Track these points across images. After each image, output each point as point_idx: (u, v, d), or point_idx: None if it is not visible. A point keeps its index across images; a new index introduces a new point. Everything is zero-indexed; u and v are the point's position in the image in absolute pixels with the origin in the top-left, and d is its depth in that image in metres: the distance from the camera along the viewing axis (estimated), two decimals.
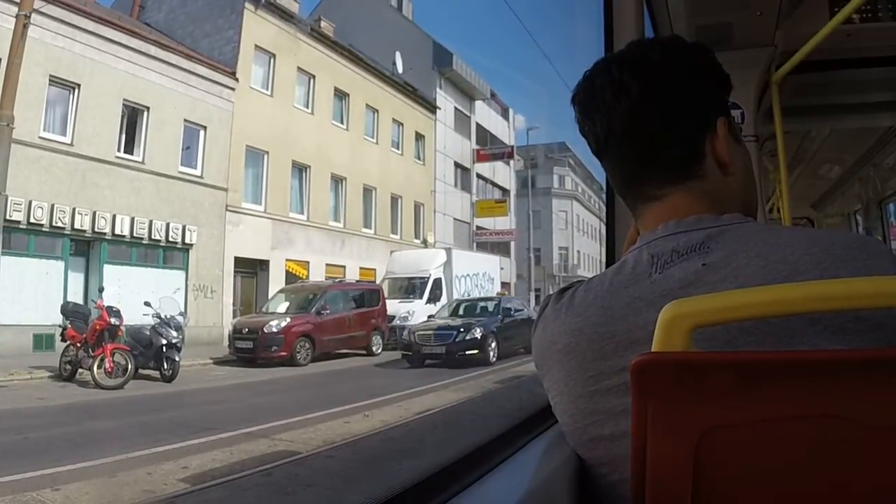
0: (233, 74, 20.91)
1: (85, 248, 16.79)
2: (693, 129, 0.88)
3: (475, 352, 15.08)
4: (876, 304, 0.67)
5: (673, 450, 0.66)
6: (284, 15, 23.17)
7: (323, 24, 26.94)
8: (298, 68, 23.98)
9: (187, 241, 18.95)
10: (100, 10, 18.56)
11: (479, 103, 38.41)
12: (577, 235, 54.45)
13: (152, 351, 11.82)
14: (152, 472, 5.59)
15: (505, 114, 43.15)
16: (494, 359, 15.32)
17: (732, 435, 0.66)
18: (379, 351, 18.16)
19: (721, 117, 0.89)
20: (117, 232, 17.06)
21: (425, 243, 30.26)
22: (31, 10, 11.97)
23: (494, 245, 36.36)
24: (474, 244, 35.12)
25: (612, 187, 0.98)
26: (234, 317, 19.10)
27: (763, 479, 0.66)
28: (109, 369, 10.73)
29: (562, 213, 51.90)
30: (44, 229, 15.38)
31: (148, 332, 12.04)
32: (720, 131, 0.88)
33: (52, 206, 15.43)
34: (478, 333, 15.26)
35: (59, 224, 15.64)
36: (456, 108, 35.65)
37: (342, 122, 26.51)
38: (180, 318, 12.85)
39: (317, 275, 23.39)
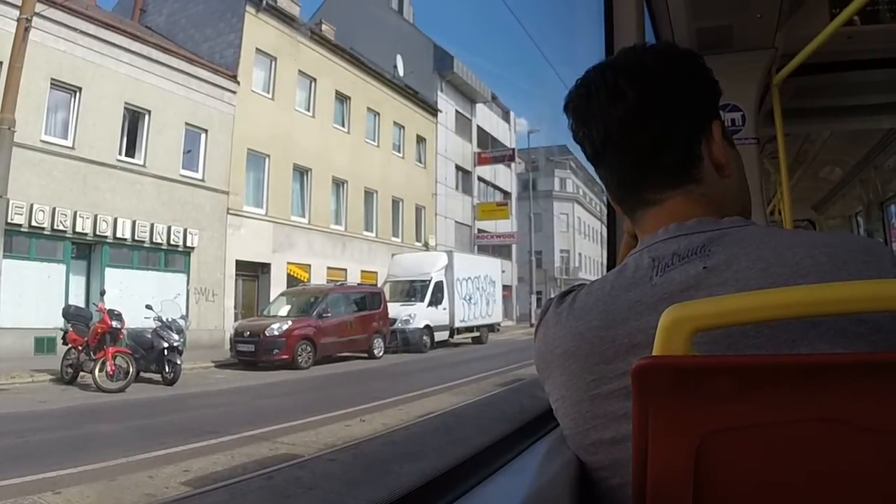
0: (234, 78, 20.95)
1: (86, 251, 16.81)
2: (689, 132, 0.88)
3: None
4: (876, 307, 0.67)
5: (674, 453, 0.66)
6: (285, 18, 23.20)
7: (324, 27, 26.98)
8: (299, 71, 24.01)
9: (189, 244, 18.96)
10: (101, 13, 18.62)
11: (480, 106, 38.45)
12: (579, 238, 54.43)
13: (154, 354, 11.82)
14: (154, 475, 5.60)
15: (506, 117, 43.19)
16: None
17: (733, 438, 0.66)
18: (380, 354, 18.16)
19: (715, 120, 0.90)
20: (119, 235, 17.07)
21: (427, 246, 30.25)
22: (33, 14, 11.99)
23: (496, 248, 36.38)
24: (476, 247, 35.11)
25: (608, 193, 0.98)
26: (236, 320, 19.08)
27: (764, 483, 0.66)
28: (111, 372, 10.74)
29: (563, 215, 51.90)
30: (45, 232, 15.40)
31: (149, 335, 12.04)
32: (715, 134, 0.89)
33: (54, 209, 15.46)
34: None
35: (61, 227, 15.67)
36: (457, 111, 35.70)
37: (343, 126, 26.54)
38: (182, 322, 12.85)
39: (318, 278, 23.41)
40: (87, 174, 16.42)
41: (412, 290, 22.41)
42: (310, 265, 23.75)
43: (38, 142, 15.20)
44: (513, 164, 41.00)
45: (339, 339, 16.95)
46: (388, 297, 20.26)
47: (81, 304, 14.26)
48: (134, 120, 18.05)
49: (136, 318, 12.27)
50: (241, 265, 20.86)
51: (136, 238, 17.56)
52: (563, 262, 51.38)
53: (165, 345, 11.82)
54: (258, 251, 21.43)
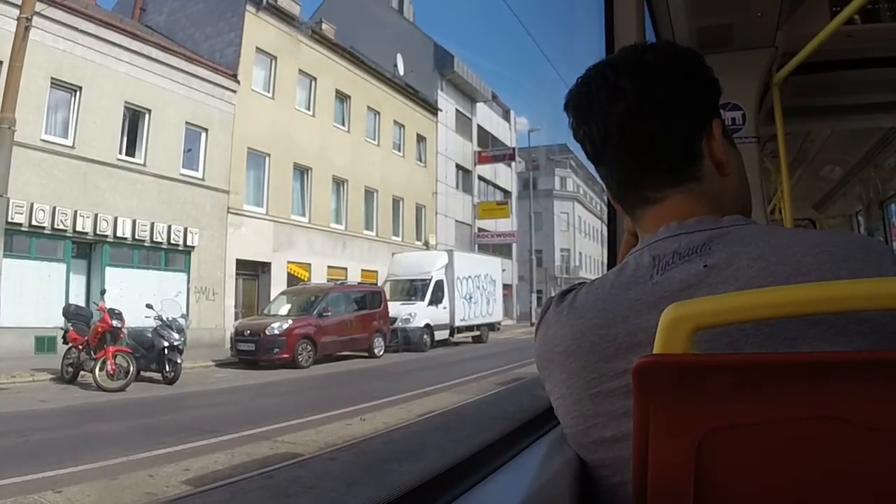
0: (234, 77, 20.94)
1: (87, 250, 16.80)
2: (689, 130, 0.88)
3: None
4: (877, 305, 0.67)
5: (674, 451, 0.66)
6: (285, 17, 23.19)
7: (324, 26, 26.95)
8: (300, 70, 24.00)
9: (189, 243, 18.96)
10: (101, 12, 18.62)
11: (480, 105, 38.44)
12: (579, 237, 54.40)
13: (154, 353, 11.82)
14: (154, 474, 5.59)
15: (506, 116, 43.17)
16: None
17: (734, 436, 0.66)
18: (381, 353, 18.17)
19: (715, 118, 0.90)
20: (119, 234, 17.08)
21: (427, 245, 30.26)
22: (33, 13, 11.98)
23: (496, 247, 36.39)
24: (476, 246, 35.11)
25: (609, 191, 0.98)
26: (236, 319, 19.09)
27: (764, 481, 0.66)
28: (111, 371, 10.74)
29: (563, 214, 51.88)
30: (45, 232, 15.40)
31: (150, 335, 12.04)
32: (716, 132, 0.89)
33: (54, 208, 15.46)
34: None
35: (61, 226, 15.67)
36: (457, 110, 35.68)
37: (343, 125, 26.52)
38: (182, 321, 12.85)
39: (318, 277, 23.40)
40: (88, 173, 16.42)
41: (412, 289, 22.40)
42: (310, 264, 23.75)
43: (39, 141, 15.19)
44: (513, 163, 40.97)
45: (340, 338, 16.95)
46: (388, 296, 20.26)
47: (82, 304, 14.24)
48: (134, 119, 18.04)
49: (136, 318, 12.28)
50: (241, 264, 20.86)
51: (137, 237, 17.56)
52: (563, 261, 51.35)
53: (166, 344, 11.82)
54: (258, 250, 21.43)
